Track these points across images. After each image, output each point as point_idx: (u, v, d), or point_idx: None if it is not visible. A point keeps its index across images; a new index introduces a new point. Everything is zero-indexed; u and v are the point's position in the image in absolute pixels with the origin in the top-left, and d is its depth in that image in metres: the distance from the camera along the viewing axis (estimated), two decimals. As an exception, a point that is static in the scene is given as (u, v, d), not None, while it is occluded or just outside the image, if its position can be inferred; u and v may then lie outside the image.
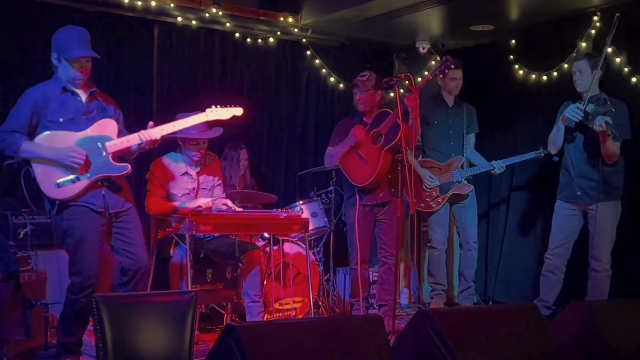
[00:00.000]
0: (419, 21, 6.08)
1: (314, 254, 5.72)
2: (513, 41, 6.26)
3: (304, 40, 6.63)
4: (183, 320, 3.01)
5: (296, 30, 6.40)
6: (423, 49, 6.74)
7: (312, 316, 5.06)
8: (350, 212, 5.21)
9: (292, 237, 5.48)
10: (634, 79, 5.34)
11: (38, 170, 3.80)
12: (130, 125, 4.27)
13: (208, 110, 4.29)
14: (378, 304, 5.32)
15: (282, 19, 6.23)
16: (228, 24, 6.13)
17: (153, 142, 4.01)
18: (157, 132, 4.02)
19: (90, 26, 5.52)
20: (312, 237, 5.84)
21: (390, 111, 4.94)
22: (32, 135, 3.84)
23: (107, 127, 3.96)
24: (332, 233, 5.93)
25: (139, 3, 5.60)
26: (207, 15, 5.93)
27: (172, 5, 5.72)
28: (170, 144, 4.89)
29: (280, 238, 5.32)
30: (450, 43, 6.85)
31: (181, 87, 6.10)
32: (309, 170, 6.33)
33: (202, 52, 6.20)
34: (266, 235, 5.29)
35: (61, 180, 3.80)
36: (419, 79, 6.78)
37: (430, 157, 5.73)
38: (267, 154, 6.64)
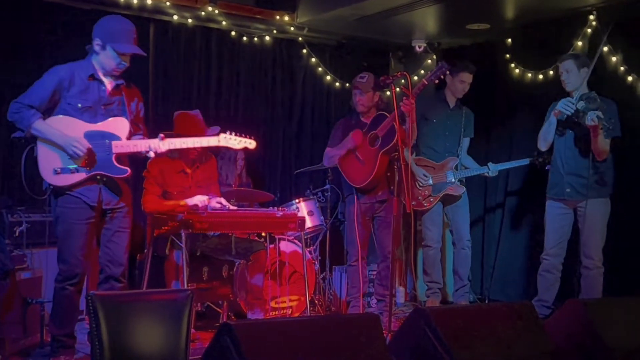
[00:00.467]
0: (415, 20, 6.08)
1: (310, 252, 5.72)
2: (509, 40, 6.26)
3: (300, 38, 6.63)
4: (179, 318, 3.00)
5: (292, 28, 6.40)
6: (419, 47, 6.74)
7: (309, 314, 5.06)
8: (349, 209, 5.23)
9: (288, 236, 5.48)
10: (629, 78, 5.35)
11: (42, 151, 3.83)
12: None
13: (222, 135, 4.27)
14: (377, 299, 5.40)
15: (278, 17, 6.23)
16: (224, 23, 6.12)
17: (159, 154, 4.04)
18: (165, 145, 4.03)
19: (85, 24, 5.57)
20: (309, 236, 5.84)
21: (387, 114, 4.98)
22: (48, 112, 3.86)
23: (119, 126, 3.96)
24: (328, 231, 5.94)
25: (135, 1, 5.59)
26: (203, 13, 5.93)
27: (168, 3, 5.72)
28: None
29: (276, 236, 5.32)
30: (446, 42, 6.86)
31: (177, 86, 6.09)
32: (305, 168, 6.33)
33: (198, 50, 6.19)
34: (262, 233, 5.29)
35: (60, 167, 3.81)
36: (415, 77, 6.81)
37: (425, 154, 5.74)
38: (263, 153, 6.63)
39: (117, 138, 3.93)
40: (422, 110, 5.59)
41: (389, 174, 5.06)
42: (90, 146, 3.83)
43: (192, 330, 3.94)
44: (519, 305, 3.29)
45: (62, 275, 3.91)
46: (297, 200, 5.75)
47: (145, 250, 4.86)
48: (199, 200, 4.64)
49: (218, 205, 4.72)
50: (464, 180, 5.73)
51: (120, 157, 3.96)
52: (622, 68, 5.39)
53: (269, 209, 4.90)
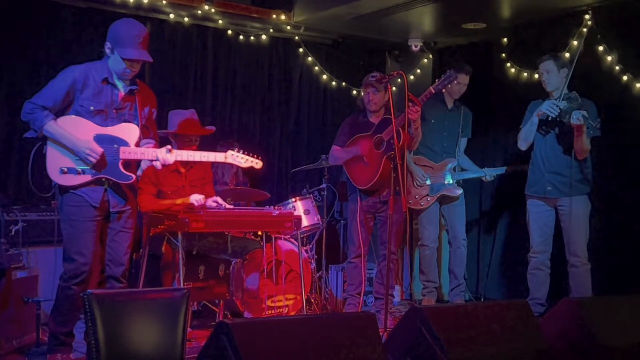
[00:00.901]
0: (412, 19, 6.09)
1: (306, 251, 5.73)
2: (505, 39, 6.28)
3: (296, 37, 6.63)
4: (175, 317, 3.01)
5: (289, 27, 6.40)
6: (415, 46, 6.75)
7: (305, 313, 5.07)
8: (351, 207, 5.27)
9: (284, 235, 5.49)
10: (624, 78, 5.37)
11: (51, 150, 3.84)
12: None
13: (229, 152, 4.28)
14: (375, 297, 5.43)
15: (274, 16, 6.23)
16: (220, 21, 6.12)
17: (165, 165, 4.06)
18: (173, 157, 4.03)
19: (81, 23, 5.60)
20: (305, 235, 5.85)
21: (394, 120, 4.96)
22: (60, 112, 3.87)
23: (129, 131, 3.97)
24: (324, 230, 5.94)
25: (131, 0, 5.58)
26: (199, 12, 5.92)
27: (164, 2, 5.71)
28: (162, 139, 4.87)
29: (272, 235, 5.32)
30: (443, 41, 6.87)
31: (173, 85, 6.09)
32: (302, 167, 6.34)
33: (194, 49, 6.19)
34: (258, 232, 5.29)
35: (67, 167, 3.83)
36: (411, 77, 6.81)
37: (423, 154, 5.75)
38: (260, 151, 6.57)
39: (126, 144, 3.94)
40: (421, 111, 5.59)
41: (394, 175, 5.07)
42: (103, 151, 3.85)
43: (189, 329, 3.95)
44: (514, 304, 3.30)
45: (67, 274, 3.90)
46: (293, 199, 5.75)
47: (142, 249, 4.86)
48: (194, 199, 4.64)
49: (214, 204, 4.73)
50: (460, 182, 5.74)
51: (127, 163, 3.97)
52: (617, 67, 5.40)
53: (265, 208, 4.91)
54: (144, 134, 4.07)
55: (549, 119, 4.93)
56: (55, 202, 4.02)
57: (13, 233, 4.67)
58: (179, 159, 4.11)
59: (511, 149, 6.12)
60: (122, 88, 3.98)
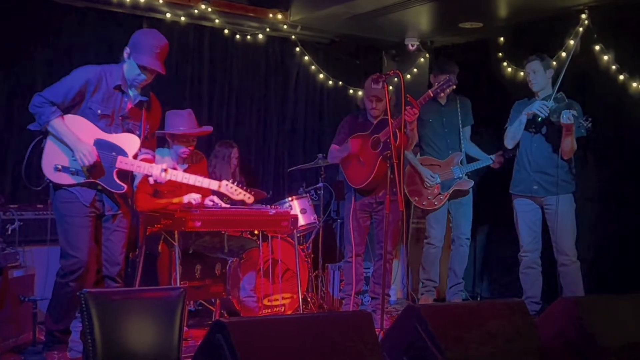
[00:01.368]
0: (408, 18, 6.10)
1: (303, 250, 5.73)
2: (502, 38, 6.28)
3: (293, 36, 6.63)
4: (172, 316, 3.01)
5: (285, 26, 6.40)
6: (412, 46, 6.76)
7: (301, 312, 5.07)
8: (347, 206, 5.29)
9: (281, 234, 5.49)
10: (621, 77, 5.38)
11: (50, 145, 3.86)
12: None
13: (224, 182, 4.36)
14: (371, 297, 5.42)
15: (271, 15, 6.23)
16: (217, 21, 6.11)
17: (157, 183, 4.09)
18: (167, 177, 4.08)
19: (78, 22, 5.59)
20: (301, 234, 5.85)
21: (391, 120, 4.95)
22: (67, 110, 3.88)
23: (129, 142, 3.99)
24: (321, 229, 5.94)
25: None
26: (196, 11, 5.92)
27: (160, 1, 5.70)
28: (158, 139, 4.87)
29: (269, 234, 5.32)
30: (439, 40, 6.87)
31: (170, 84, 6.08)
32: (298, 167, 6.34)
33: (191, 48, 6.19)
34: (255, 231, 5.29)
35: (62, 165, 3.83)
36: (407, 76, 6.82)
37: (429, 154, 5.73)
38: (256, 151, 6.64)
39: (124, 154, 3.96)
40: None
41: (392, 176, 5.06)
42: (98, 158, 3.86)
43: (185, 328, 3.95)
44: (511, 303, 3.31)
45: (64, 270, 3.91)
46: (290, 198, 5.75)
47: (138, 248, 4.85)
48: (192, 198, 4.64)
49: (210, 203, 4.73)
50: (470, 173, 5.73)
51: (121, 172, 3.97)
52: (613, 67, 5.41)
53: (262, 207, 4.91)
54: (143, 145, 4.08)
55: (539, 119, 4.95)
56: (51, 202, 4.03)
57: (9, 232, 4.67)
58: (173, 179, 4.15)
59: (506, 149, 6.12)
60: (132, 97, 3.99)
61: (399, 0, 5.56)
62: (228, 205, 4.91)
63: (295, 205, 5.67)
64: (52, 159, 3.85)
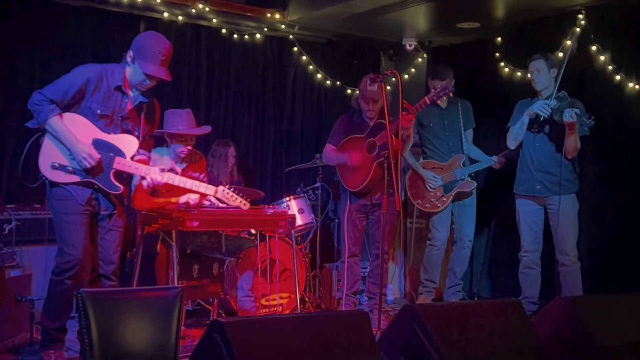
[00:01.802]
0: (406, 18, 6.10)
1: (300, 250, 5.73)
2: (499, 39, 6.29)
3: (291, 36, 6.63)
4: (169, 316, 3.01)
5: (283, 26, 6.40)
6: (410, 46, 6.76)
7: (299, 312, 5.07)
8: (342, 207, 5.29)
9: (278, 234, 5.49)
10: (617, 77, 5.39)
11: (48, 142, 3.85)
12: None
13: (220, 187, 4.35)
14: (367, 296, 5.42)
15: (269, 15, 6.23)
16: (215, 20, 6.12)
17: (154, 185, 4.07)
18: (164, 178, 4.06)
19: (75, 21, 5.58)
20: (299, 234, 5.85)
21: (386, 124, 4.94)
22: (66, 108, 3.86)
23: (128, 144, 3.98)
24: (318, 229, 5.95)
25: (125, -2, 5.58)
26: (193, 11, 5.92)
27: (158, 0, 5.70)
28: (157, 139, 4.88)
29: (266, 234, 5.32)
30: (437, 40, 6.88)
31: (167, 84, 6.05)
32: (296, 166, 6.34)
33: (188, 48, 6.18)
34: (252, 231, 5.29)
35: (59, 163, 3.83)
36: (405, 76, 6.82)
37: (431, 157, 5.73)
38: (254, 150, 6.64)
39: (122, 155, 3.95)
40: (417, 117, 5.56)
41: (388, 177, 5.06)
42: (100, 157, 3.85)
43: (182, 328, 3.95)
44: (507, 303, 3.31)
45: (59, 268, 3.90)
46: (287, 198, 5.75)
47: (135, 248, 4.85)
48: (190, 198, 4.63)
49: (207, 203, 4.72)
50: (473, 175, 5.73)
51: (118, 173, 3.97)
52: (610, 67, 5.42)
53: (260, 206, 4.91)
54: (142, 146, 4.08)
55: (541, 119, 4.94)
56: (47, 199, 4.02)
57: (6, 232, 4.66)
58: (170, 182, 4.13)
59: (504, 148, 6.12)
60: (133, 98, 3.98)
61: (396, 0, 5.57)
62: (225, 205, 4.90)
63: (292, 205, 5.67)
64: (50, 156, 3.84)
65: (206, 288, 4.95)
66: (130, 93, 3.98)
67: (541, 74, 5.02)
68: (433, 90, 4.97)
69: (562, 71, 4.99)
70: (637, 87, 5.32)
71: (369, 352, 2.80)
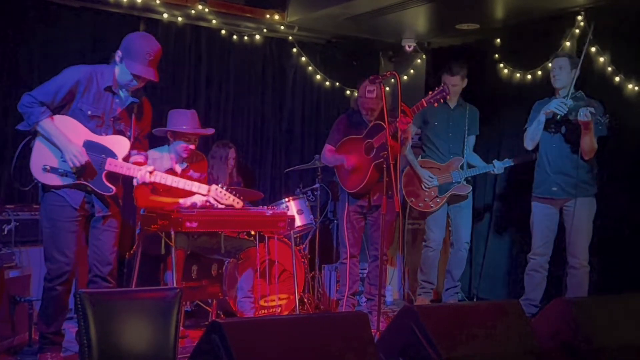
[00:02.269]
0: (405, 19, 6.10)
1: (299, 251, 5.73)
2: (498, 40, 6.29)
3: (290, 37, 6.63)
4: (168, 317, 3.01)
5: (282, 27, 6.40)
6: (409, 47, 6.76)
7: (298, 313, 5.07)
8: (341, 208, 5.29)
9: (278, 234, 5.49)
10: (617, 79, 5.39)
11: (39, 145, 3.83)
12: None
13: (213, 186, 4.34)
14: (366, 297, 5.42)
15: (268, 16, 6.23)
16: (214, 21, 6.12)
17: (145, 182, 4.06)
18: (155, 178, 4.05)
19: (75, 22, 5.59)
20: (298, 234, 5.85)
21: (385, 126, 4.93)
22: (57, 110, 3.85)
23: (119, 144, 3.97)
24: (317, 230, 5.95)
25: (125, -1, 5.59)
26: (193, 12, 5.92)
27: (158, 1, 5.70)
28: (159, 138, 4.88)
29: (266, 235, 5.32)
30: (436, 41, 6.88)
31: (167, 84, 6.08)
32: (295, 167, 6.34)
33: (188, 49, 6.19)
34: (251, 232, 5.29)
35: (51, 166, 3.81)
36: (404, 77, 6.83)
37: (430, 157, 5.73)
38: (253, 151, 6.65)
39: (114, 156, 3.93)
40: (423, 114, 5.57)
41: (387, 178, 5.07)
42: (88, 159, 3.83)
43: (181, 329, 3.95)
44: (506, 304, 3.32)
45: (51, 275, 3.89)
46: (286, 199, 5.75)
47: (134, 248, 4.85)
48: (197, 199, 4.62)
49: (207, 204, 4.70)
50: (470, 179, 5.73)
51: (111, 174, 3.95)
52: (609, 68, 5.43)
53: (259, 207, 4.90)
54: (136, 147, 4.07)
55: (558, 117, 4.89)
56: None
57: (5, 232, 4.66)
58: (162, 182, 4.12)
59: (503, 150, 6.14)
60: (123, 98, 3.97)
61: (396, 2, 5.57)
62: (224, 206, 4.90)
63: (292, 206, 5.68)
64: (41, 159, 3.82)
65: (205, 289, 4.94)
66: (121, 93, 3.96)
67: (562, 72, 4.95)
68: (430, 93, 4.96)
69: (578, 71, 4.92)
70: (636, 88, 5.32)
71: (368, 354, 2.80)
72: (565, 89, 4.94)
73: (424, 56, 6.96)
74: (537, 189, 5.14)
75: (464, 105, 5.73)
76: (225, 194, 4.34)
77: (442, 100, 4.98)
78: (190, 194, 4.77)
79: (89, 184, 3.89)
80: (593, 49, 5.41)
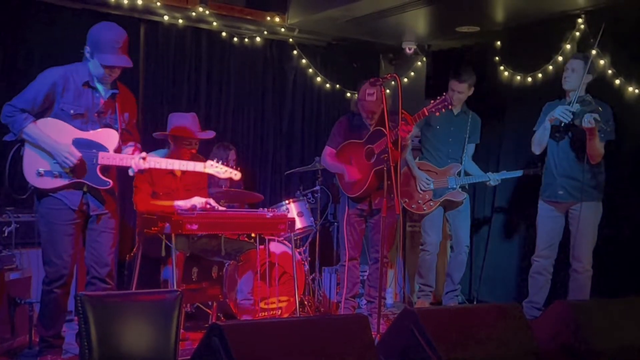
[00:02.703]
0: (406, 22, 6.11)
1: (299, 253, 5.73)
2: (498, 42, 6.29)
3: (290, 39, 6.64)
4: (168, 319, 3.01)
5: (283, 29, 6.41)
6: (409, 49, 6.77)
7: (298, 315, 5.07)
8: (341, 211, 5.28)
9: (278, 237, 5.49)
10: (617, 81, 5.39)
11: (28, 152, 3.83)
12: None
13: (208, 162, 4.30)
14: (367, 300, 5.41)
15: (269, 18, 6.24)
16: (215, 23, 6.13)
17: (141, 170, 4.03)
18: (148, 164, 4.02)
19: (75, 24, 5.58)
20: (298, 237, 5.85)
21: (385, 132, 4.91)
22: (40, 115, 3.85)
23: (108, 137, 3.96)
24: (318, 232, 5.95)
25: (126, 1, 5.58)
26: (193, 14, 5.92)
27: (158, 4, 5.71)
28: (159, 141, 4.87)
29: (266, 237, 5.32)
30: (437, 44, 6.88)
31: (167, 86, 6.09)
32: (295, 169, 6.34)
33: (188, 51, 6.19)
34: (252, 234, 5.29)
35: (44, 170, 3.81)
36: (405, 79, 6.83)
37: (428, 160, 5.73)
38: (254, 153, 6.65)
39: (105, 149, 3.92)
40: (426, 117, 5.56)
41: (389, 182, 5.07)
42: (81, 155, 3.83)
43: (182, 331, 3.94)
44: (506, 306, 3.32)
45: (49, 278, 3.90)
46: (287, 201, 5.75)
47: (134, 250, 4.85)
48: (197, 202, 4.62)
49: (207, 206, 4.70)
50: (466, 187, 5.72)
51: (105, 168, 3.95)
52: (610, 71, 5.43)
53: (259, 210, 4.91)
54: (125, 138, 4.06)
55: (562, 125, 4.86)
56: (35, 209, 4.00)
57: (6, 234, 4.66)
58: (156, 166, 4.10)
59: (503, 152, 6.14)
60: (102, 92, 3.96)
61: (396, 4, 5.57)
62: (224, 208, 4.91)
63: (292, 208, 5.67)
64: (33, 164, 3.82)
65: (205, 291, 4.94)
66: (99, 87, 3.95)
67: (575, 75, 4.90)
68: (432, 102, 4.96)
69: (584, 75, 4.87)
70: (636, 91, 5.32)
71: (368, 356, 2.80)
72: (574, 92, 4.87)
73: (424, 59, 6.97)
74: (544, 192, 5.12)
75: (467, 112, 5.72)
76: (221, 168, 4.30)
77: (443, 110, 4.97)
78: (190, 196, 4.79)
79: (85, 181, 3.89)
80: (594, 52, 5.41)
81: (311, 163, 6.10)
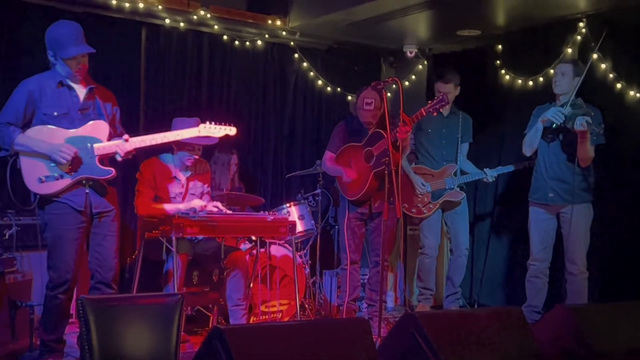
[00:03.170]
0: (407, 25, 6.11)
1: (300, 256, 5.73)
2: (499, 46, 6.30)
3: (292, 43, 6.64)
4: (169, 322, 3.01)
5: (284, 33, 6.42)
6: (410, 53, 6.78)
7: (299, 319, 5.07)
8: (341, 214, 5.28)
9: (278, 240, 5.49)
10: (618, 85, 5.39)
11: (25, 162, 3.84)
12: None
13: (201, 125, 4.29)
14: (367, 303, 5.41)
15: (270, 21, 6.25)
16: (216, 27, 6.13)
17: (128, 153, 4.02)
18: (130, 146, 4.00)
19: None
20: (299, 240, 5.85)
21: (384, 134, 4.92)
22: (26, 126, 3.87)
23: (98, 128, 3.98)
24: (318, 236, 5.95)
25: (127, 5, 5.59)
26: (195, 17, 5.93)
27: (160, 7, 5.72)
28: (163, 145, 4.87)
29: (267, 240, 5.32)
30: (437, 47, 6.89)
31: (169, 89, 6.09)
32: (297, 173, 6.35)
33: (189, 54, 6.20)
34: (252, 238, 5.29)
35: (45, 175, 3.82)
36: (406, 83, 6.83)
37: (423, 163, 5.74)
38: (255, 157, 6.65)
39: (98, 141, 3.95)
40: (418, 121, 5.58)
41: (389, 185, 5.07)
42: (77, 150, 3.85)
43: (182, 334, 3.94)
44: (507, 310, 3.31)
45: (53, 283, 3.90)
46: (288, 205, 5.75)
47: (135, 253, 4.84)
48: (197, 204, 4.62)
49: (215, 209, 4.69)
50: (464, 187, 5.73)
51: (103, 159, 3.97)
52: (611, 75, 5.43)
53: (260, 213, 4.90)
54: (113, 132, 4.07)
55: (554, 126, 4.90)
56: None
57: (7, 237, 4.66)
58: (141, 144, 4.06)
59: (504, 156, 6.14)
60: (80, 89, 3.99)
61: (397, 8, 5.58)
62: (231, 212, 4.89)
63: (293, 212, 5.68)
64: (33, 173, 3.83)
65: (206, 295, 4.94)
66: (74, 86, 3.97)
67: (564, 79, 4.96)
68: (429, 102, 4.97)
69: (582, 78, 4.93)
70: (637, 95, 5.32)
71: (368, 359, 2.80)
72: (565, 95, 4.95)
73: (425, 62, 6.97)
74: (533, 194, 5.16)
75: (457, 113, 5.76)
76: (215, 127, 4.30)
77: (441, 110, 5.00)
78: (189, 199, 4.79)
79: (87, 175, 3.90)
80: (595, 56, 5.42)
81: (312, 166, 6.11)
